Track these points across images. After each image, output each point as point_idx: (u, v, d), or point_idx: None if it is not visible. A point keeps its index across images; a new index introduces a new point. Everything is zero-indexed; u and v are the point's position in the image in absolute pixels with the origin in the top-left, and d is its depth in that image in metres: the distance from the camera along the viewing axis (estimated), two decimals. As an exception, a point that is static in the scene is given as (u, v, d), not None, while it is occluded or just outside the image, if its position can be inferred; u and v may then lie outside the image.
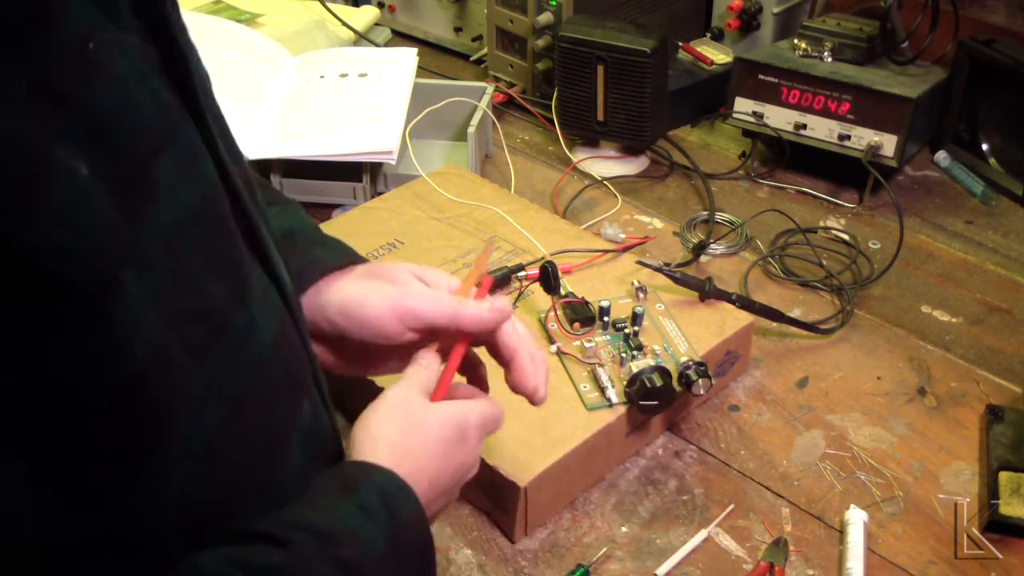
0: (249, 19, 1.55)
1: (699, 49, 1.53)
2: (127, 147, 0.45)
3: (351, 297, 0.71)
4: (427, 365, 0.69)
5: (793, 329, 1.10)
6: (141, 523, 0.50)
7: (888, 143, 1.29)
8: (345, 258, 0.75)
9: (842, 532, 0.88)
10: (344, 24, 1.58)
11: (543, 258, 1.09)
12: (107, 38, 0.45)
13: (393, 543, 0.58)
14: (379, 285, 0.72)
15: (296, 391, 0.62)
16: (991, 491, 0.90)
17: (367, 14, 1.64)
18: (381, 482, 0.61)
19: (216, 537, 0.53)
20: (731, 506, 0.91)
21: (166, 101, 0.50)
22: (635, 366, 0.94)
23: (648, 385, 0.92)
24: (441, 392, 0.69)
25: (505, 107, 1.51)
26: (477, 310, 0.70)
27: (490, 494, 0.89)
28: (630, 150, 1.41)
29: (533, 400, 0.73)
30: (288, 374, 0.60)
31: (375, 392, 0.67)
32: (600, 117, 1.35)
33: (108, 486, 0.48)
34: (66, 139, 0.42)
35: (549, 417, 0.91)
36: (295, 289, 0.64)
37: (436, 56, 1.69)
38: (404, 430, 0.65)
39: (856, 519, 0.88)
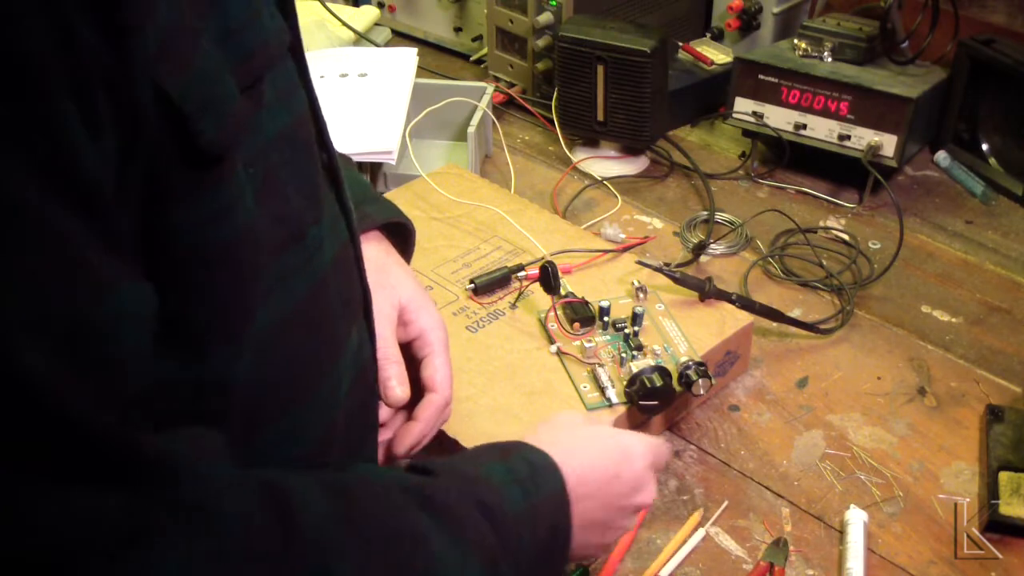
0: (249, 19, 1.55)
1: (699, 49, 1.53)
2: (248, 53, 0.52)
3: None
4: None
5: (793, 329, 1.10)
6: (211, 393, 0.54)
7: (888, 143, 1.29)
8: (390, 216, 0.85)
9: (842, 532, 0.88)
10: (344, 24, 1.58)
11: (543, 258, 1.09)
12: None
13: (532, 510, 0.63)
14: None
15: (348, 316, 0.67)
16: (991, 491, 0.90)
17: (367, 14, 1.64)
18: (532, 456, 0.67)
19: (263, 438, 0.58)
20: (725, 502, 0.91)
21: (280, 26, 0.56)
22: (635, 366, 0.94)
23: (648, 385, 0.92)
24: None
25: (505, 107, 1.51)
26: (393, 395, 0.77)
27: (490, 494, 0.89)
28: (630, 150, 1.41)
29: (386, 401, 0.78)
30: (342, 297, 0.65)
31: None
32: (600, 117, 1.35)
33: (194, 344, 0.52)
34: (207, 30, 0.49)
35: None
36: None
37: (436, 56, 1.69)
38: (568, 429, 0.72)
39: (856, 519, 0.88)
